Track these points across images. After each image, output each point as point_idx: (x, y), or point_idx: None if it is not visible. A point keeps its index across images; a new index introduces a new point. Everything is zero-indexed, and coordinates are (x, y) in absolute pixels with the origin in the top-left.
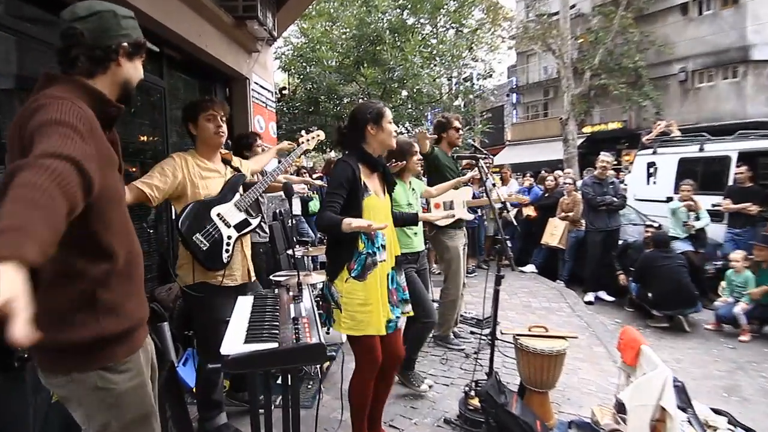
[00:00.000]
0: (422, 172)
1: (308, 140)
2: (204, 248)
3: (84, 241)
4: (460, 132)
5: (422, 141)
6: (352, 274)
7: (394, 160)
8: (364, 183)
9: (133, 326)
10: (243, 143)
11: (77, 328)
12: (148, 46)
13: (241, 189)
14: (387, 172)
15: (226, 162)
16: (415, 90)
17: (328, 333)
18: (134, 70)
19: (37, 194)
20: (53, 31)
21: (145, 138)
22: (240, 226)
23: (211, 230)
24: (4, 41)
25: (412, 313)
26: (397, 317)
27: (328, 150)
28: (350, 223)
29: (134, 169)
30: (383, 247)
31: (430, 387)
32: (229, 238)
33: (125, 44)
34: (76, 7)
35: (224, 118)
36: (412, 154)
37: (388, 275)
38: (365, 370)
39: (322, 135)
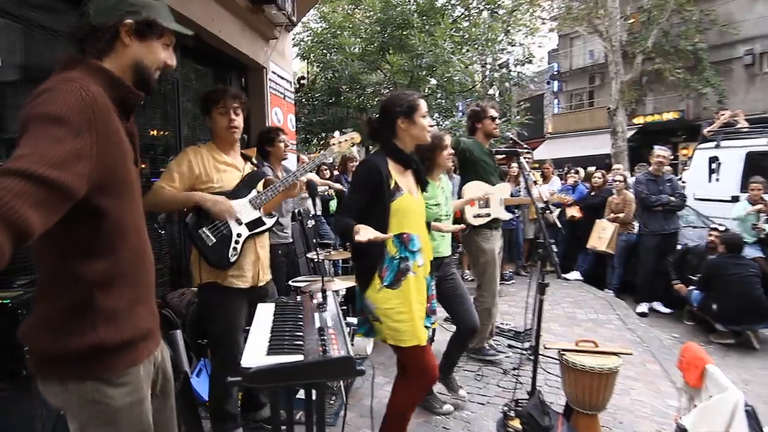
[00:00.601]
0: (453, 168)
1: (340, 142)
2: (210, 244)
3: (80, 239)
4: (497, 122)
5: None
6: (385, 283)
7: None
8: (395, 182)
9: (137, 337)
10: (264, 138)
11: (72, 335)
12: (176, 30)
13: (260, 186)
14: (420, 169)
15: (247, 158)
16: (445, 78)
17: (352, 344)
18: (149, 52)
19: None
20: (60, 18)
21: (155, 132)
22: (253, 225)
23: (219, 225)
24: (9, 30)
25: (437, 325)
26: (427, 327)
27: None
28: (358, 232)
29: (144, 166)
30: (419, 250)
31: (462, 399)
32: (239, 236)
33: (129, 21)
34: None
35: (239, 111)
36: (442, 148)
37: (425, 281)
38: (417, 381)
39: (357, 137)
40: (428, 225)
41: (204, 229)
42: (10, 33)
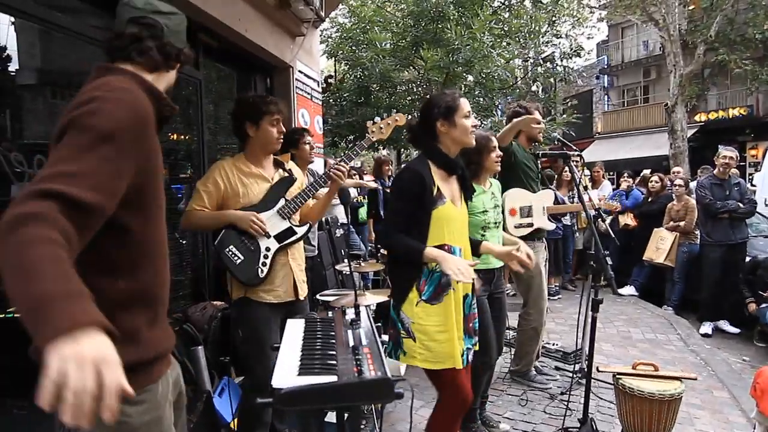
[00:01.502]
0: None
1: (381, 128)
2: (237, 262)
3: (104, 256)
4: (541, 124)
5: None
6: (423, 297)
7: None
8: (438, 189)
9: (155, 356)
10: (288, 139)
11: None
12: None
13: (288, 194)
14: (465, 176)
15: (279, 165)
16: (483, 74)
17: None
18: (173, 77)
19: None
20: (81, 20)
21: (175, 136)
22: (282, 236)
23: (246, 241)
24: (29, 31)
25: (477, 347)
26: (469, 348)
27: (381, 148)
28: (432, 254)
29: (164, 172)
30: None
31: None
32: (268, 249)
33: (186, 51)
34: (151, 1)
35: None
36: (490, 150)
37: (465, 299)
38: (451, 408)
39: (402, 119)
40: (477, 245)
41: (231, 247)
42: (28, 34)
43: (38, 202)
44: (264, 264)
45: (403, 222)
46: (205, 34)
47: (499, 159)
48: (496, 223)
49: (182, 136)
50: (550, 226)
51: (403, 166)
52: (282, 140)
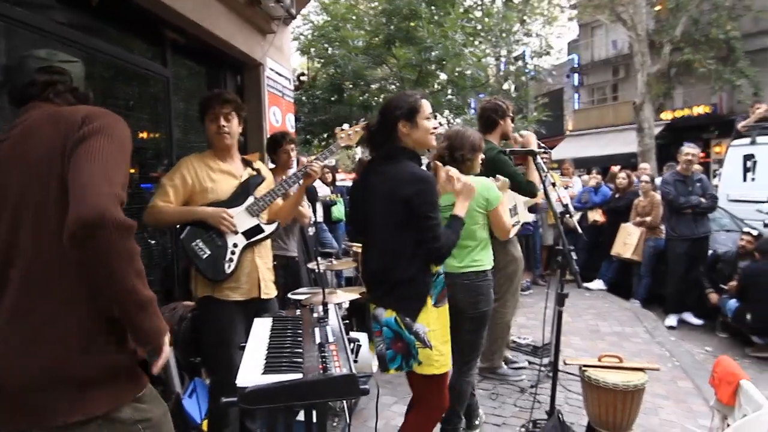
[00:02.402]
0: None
1: (349, 135)
2: (204, 256)
3: None
4: (513, 122)
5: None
6: (432, 302)
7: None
8: None
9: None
10: (268, 143)
11: (113, 353)
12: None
13: (257, 192)
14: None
15: (247, 163)
16: (456, 72)
17: (355, 361)
18: None
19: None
20: (45, 15)
21: (145, 134)
22: (250, 234)
23: (214, 236)
24: None
25: None
26: None
27: (355, 146)
28: (461, 208)
29: (134, 170)
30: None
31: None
32: (235, 246)
33: (91, 96)
34: (53, 51)
35: (232, 116)
36: (480, 150)
37: None
38: (434, 413)
39: (360, 129)
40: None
41: (198, 241)
42: None
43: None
44: (231, 260)
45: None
46: (172, 31)
47: (481, 162)
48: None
49: (151, 134)
50: (530, 217)
51: (412, 174)
52: (225, 136)
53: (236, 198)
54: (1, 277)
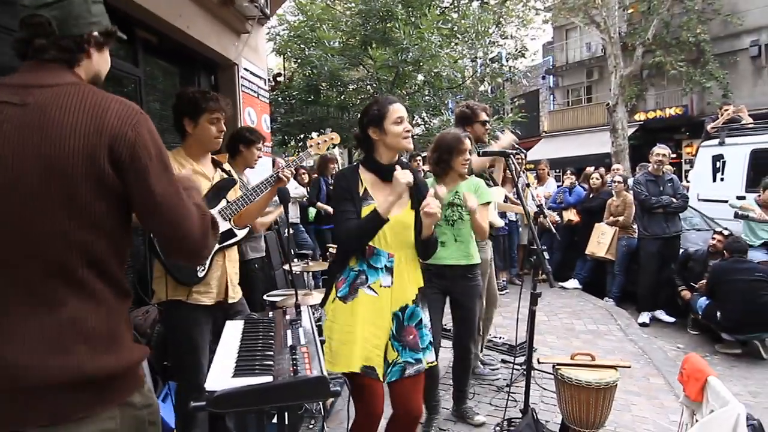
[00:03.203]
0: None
1: (318, 144)
2: None
3: (125, 254)
4: (488, 126)
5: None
6: (338, 294)
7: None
8: (365, 189)
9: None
10: (243, 137)
11: (129, 348)
12: (118, 35)
13: (229, 196)
14: (416, 181)
15: (217, 164)
16: (432, 74)
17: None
18: (105, 62)
19: None
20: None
21: None
22: (222, 238)
23: None
24: None
25: (434, 364)
26: (407, 361)
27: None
28: (389, 202)
29: None
30: (387, 269)
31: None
32: None
33: (96, 33)
34: None
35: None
36: (460, 152)
37: (405, 309)
38: (358, 419)
39: (336, 138)
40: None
41: None
42: None
43: None
44: (203, 264)
45: (353, 215)
46: (144, 30)
47: (467, 162)
48: (446, 220)
49: None
50: (500, 222)
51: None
52: (221, 140)
53: (209, 201)
54: (16, 272)
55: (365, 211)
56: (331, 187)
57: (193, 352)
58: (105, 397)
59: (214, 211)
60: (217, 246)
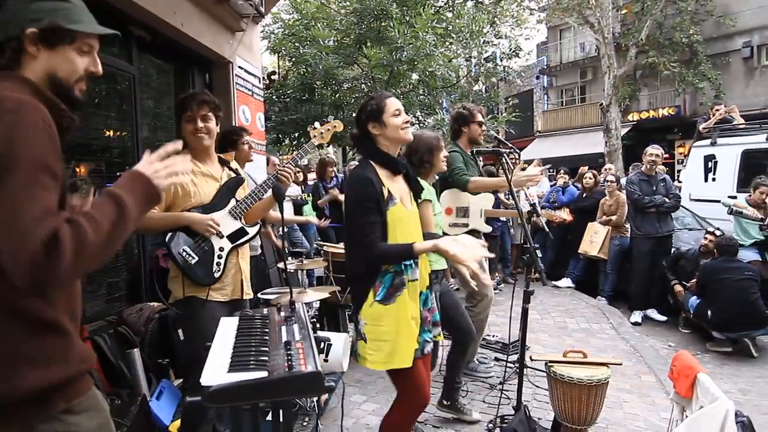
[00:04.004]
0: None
1: (321, 133)
2: (192, 262)
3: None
4: (483, 127)
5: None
6: (377, 298)
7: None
8: (388, 190)
9: (89, 363)
10: (227, 139)
11: (36, 372)
12: (86, 31)
13: (237, 194)
14: (410, 175)
15: (224, 163)
16: (427, 73)
17: (326, 360)
18: (62, 61)
19: None
20: None
21: (111, 133)
22: (234, 236)
23: (200, 242)
24: None
25: (441, 338)
26: (425, 340)
27: (326, 145)
28: (425, 247)
29: (100, 169)
30: (415, 263)
31: (476, 422)
32: (221, 249)
33: (30, 30)
34: None
35: (209, 117)
36: (439, 149)
37: (420, 296)
38: (406, 408)
39: (339, 125)
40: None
41: (185, 248)
42: None
43: None
44: (218, 264)
45: (379, 232)
46: (138, 27)
47: (445, 158)
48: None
49: (117, 133)
50: (486, 228)
51: (348, 172)
52: (202, 136)
53: (219, 201)
54: None
55: (391, 213)
56: (330, 189)
57: (209, 349)
58: (5, 419)
59: (225, 211)
60: (231, 245)
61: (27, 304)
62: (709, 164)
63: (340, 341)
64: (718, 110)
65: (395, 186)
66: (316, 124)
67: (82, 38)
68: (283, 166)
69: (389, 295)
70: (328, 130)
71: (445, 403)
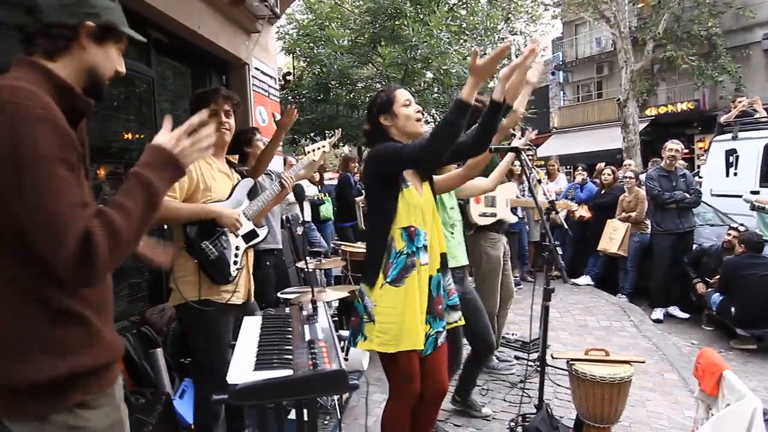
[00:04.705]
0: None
1: (313, 151)
2: (212, 257)
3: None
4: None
5: None
6: (388, 279)
7: None
8: (402, 174)
9: (113, 358)
10: (242, 139)
11: (51, 362)
12: (130, 34)
13: (247, 196)
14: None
15: (231, 165)
16: (441, 71)
17: (346, 359)
18: (104, 58)
19: None
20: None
21: (130, 135)
22: (247, 237)
23: (220, 238)
24: None
25: (462, 322)
26: (439, 331)
27: (341, 145)
28: (469, 86)
29: (120, 170)
30: (425, 248)
31: (486, 418)
32: (237, 249)
33: (89, 23)
34: None
35: (231, 113)
36: None
37: (430, 280)
38: (402, 397)
39: (327, 146)
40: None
41: (206, 242)
42: None
43: None
44: (235, 263)
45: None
46: (155, 30)
47: None
48: (459, 221)
49: (136, 135)
50: (513, 218)
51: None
52: (226, 132)
53: (235, 200)
54: None
55: (406, 193)
56: (361, 181)
57: (224, 350)
58: (21, 408)
59: (239, 210)
60: (245, 245)
61: (50, 293)
62: (731, 159)
63: None
64: (740, 101)
65: (408, 173)
66: (307, 148)
67: (123, 40)
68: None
69: (400, 277)
70: (319, 148)
71: (457, 399)
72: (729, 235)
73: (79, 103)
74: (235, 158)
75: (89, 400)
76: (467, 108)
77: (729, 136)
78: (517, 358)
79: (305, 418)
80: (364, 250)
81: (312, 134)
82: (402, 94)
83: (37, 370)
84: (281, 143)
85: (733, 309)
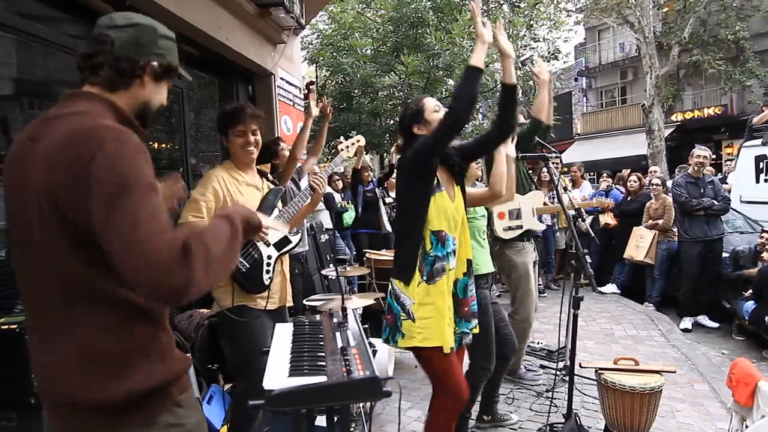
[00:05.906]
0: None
1: (347, 147)
2: (243, 270)
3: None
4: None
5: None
6: (423, 278)
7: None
8: (437, 179)
9: (189, 361)
10: (270, 152)
11: (152, 368)
12: (181, 73)
13: (280, 204)
14: (456, 169)
15: (263, 174)
16: None
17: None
18: (157, 94)
19: None
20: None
21: (157, 145)
22: (280, 245)
23: (250, 250)
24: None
25: (477, 330)
26: (464, 332)
27: (365, 153)
28: (478, 54)
29: None
30: (454, 253)
31: (513, 428)
32: (269, 257)
33: (154, 63)
34: (115, 15)
35: (257, 131)
36: None
37: (457, 283)
38: (445, 400)
39: (362, 140)
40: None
41: None
42: (4, 44)
43: None
44: (268, 272)
45: None
46: (186, 44)
47: (479, 165)
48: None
49: (165, 145)
50: (540, 226)
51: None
52: (252, 151)
53: (263, 211)
54: (33, 294)
55: (438, 197)
56: (368, 194)
57: (261, 355)
58: (129, 421)
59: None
60: (277, 253)
61: (147, 308)
62: (761, 165)
63: (385, 347)
64: None
65: (443, 177)
66: (342, 139)
67: (174, 77)
68: (314, 177)
69: (431, 277)
70: (353, 144)
71: (485, 418)
72: (762, 237)
73: (140, 135)
74: (267, 167)
75: (181, 400)
76: (479, 73)
77: (759, 141)
78: (542, 367)
79: (336, 424)
80: (390, 257)
81: (333, 142)
82: (430, 102)
83: (147, 379)
84: (305, 152)
85: (766, 318)
